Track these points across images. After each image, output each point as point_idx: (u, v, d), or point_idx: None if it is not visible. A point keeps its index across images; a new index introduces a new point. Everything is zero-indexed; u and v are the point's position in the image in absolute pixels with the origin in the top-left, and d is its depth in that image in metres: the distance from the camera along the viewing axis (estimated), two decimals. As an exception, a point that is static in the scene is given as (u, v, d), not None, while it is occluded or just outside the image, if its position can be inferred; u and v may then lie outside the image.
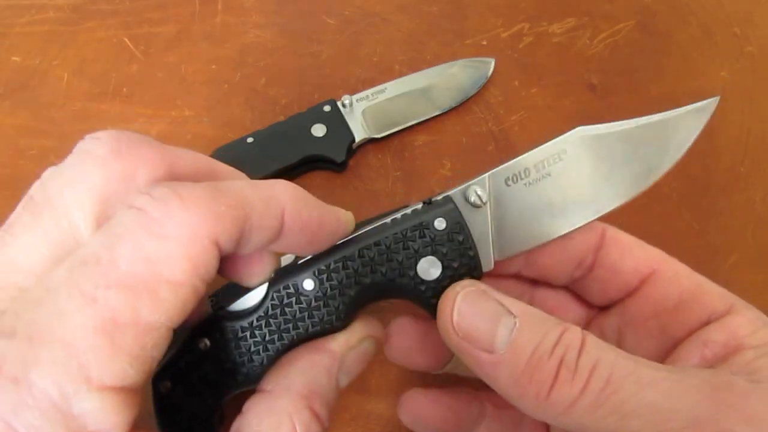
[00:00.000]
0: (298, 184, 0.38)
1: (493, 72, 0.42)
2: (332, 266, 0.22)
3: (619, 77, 0.42)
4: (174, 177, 0.19)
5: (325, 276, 0.22)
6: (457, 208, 0.23)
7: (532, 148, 0.24)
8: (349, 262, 0.22)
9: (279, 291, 0.22)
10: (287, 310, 0.22)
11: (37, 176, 0.20)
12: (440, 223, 0.22)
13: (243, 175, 0.22)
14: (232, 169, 0.22)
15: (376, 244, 0.22)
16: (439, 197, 0.23)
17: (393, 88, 0.40)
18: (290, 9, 0.45)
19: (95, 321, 0.15)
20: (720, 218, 0.37)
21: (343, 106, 0.38)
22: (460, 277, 0.23)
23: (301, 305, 0.22)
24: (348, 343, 0.22)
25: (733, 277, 0.35)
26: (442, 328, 0.21)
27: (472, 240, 0.23)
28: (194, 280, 0.17)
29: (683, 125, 0.25)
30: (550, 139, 0.25)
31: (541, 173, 0.24)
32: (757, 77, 0.43)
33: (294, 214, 0.19)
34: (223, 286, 0.24)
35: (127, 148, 0.18)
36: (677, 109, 0.24)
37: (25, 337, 0.15)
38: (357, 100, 0.39)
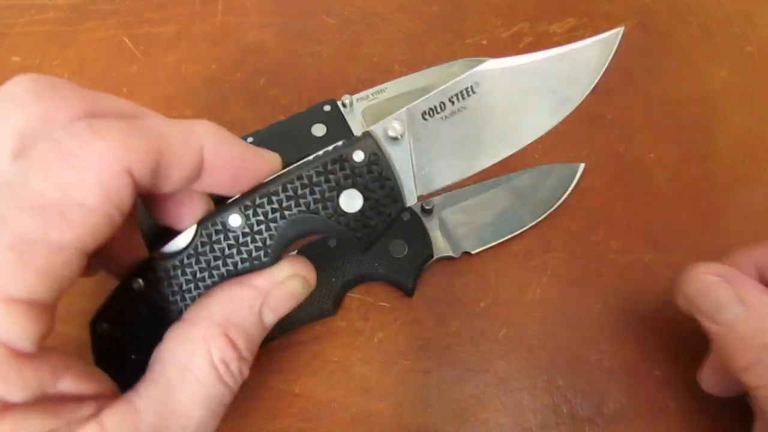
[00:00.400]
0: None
1: (493, 72, 0.42)
2: (257, 201, 0.22)
3: (619, 77, 0.42)
4: (94, 117, 0.19)
5: (251, 212, 0.22)
6: (375, 140, 0.23)
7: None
8: (273, 197, 0.22)
9: (207, 228, 0.22)
10: (216, 246, 0.22)
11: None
12: (358, 155, 0.23)
13: (163, 117, 0.22)
14: (153, 112, 0.22)
15: (299, 177, 0.22)
16: (359, 134, 0.24)
17: (393, 88, 0.40)
18: (290, 9, 0.45)
19: (4, 239, 0.16)
20: (720, 218, 0.37)
21: (344, 106, 0.38)
22: (383, 209, 0.23)
23: (229, 241, 0.22)
24: (273, 279, 0.22)
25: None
26: (681, 294, 0.27)
27: (392, 171, 0.23)
28: (106, 206, 0.17)
29: (591, 56, 0.26)
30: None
31: (457, 107, 0.24)
32: (757, 77, 0.43)
33: (214, 151, 0.20)
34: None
35: (48, 90, 0.19)
36: (584, 41, 0.25)
37: None
38: (357, 100, 0.39)
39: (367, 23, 0.44)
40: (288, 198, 0.22)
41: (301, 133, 0.37)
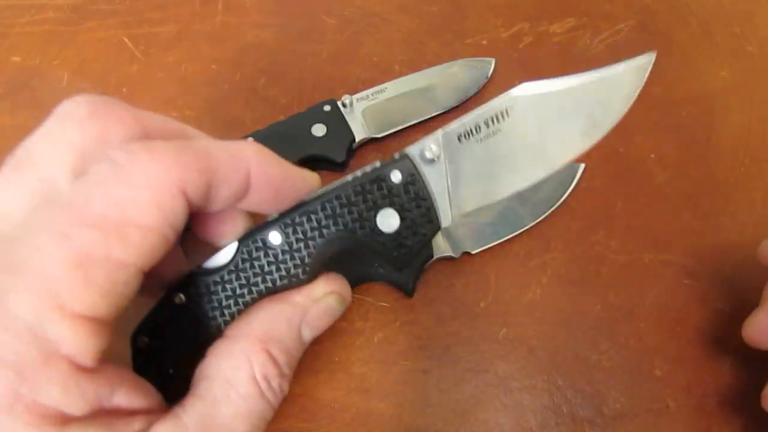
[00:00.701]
0: (298, 184, 0.38)
1: (493, 72, 0.42)
2: (297, 219, 0.23)
3: (619, 77, 0.42)
4: (146, 137, 0.20)
5: (290, 229, 0.23)
6: (411, 161, 0.24)
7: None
8: (312, 215, 0.23)
9: (248, 245, 0.23)
10: (256, 263, 0.23)
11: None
12: (396, 176, 0.24)
13: (211, 138, 0.23)
14: (201, 132, 0.23)
15: (338, 197, 0.23)
16: (397, 155, 0.25)
17: (393, 88, 0.40)
18: (290, 9, 0.45)
19: (69, 255, 0.16)
20: (720, 218, 0.37)
21: (343, 106, 0.38)
22: (419, 229, 0.24)
23: (269, 258, 0.23)
24: (311, 296, 0.23)
25: (733, 277, 0.35)
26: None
27: (428, 191, 0.24)
28: (163, 226, 0.18)
29: (625, 81, 0.26)
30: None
31: (491, 129, 0.25)
32: (757, 77, 0.43)
33: (260, 170, 0.21)
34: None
35: (104, 110, 0.20)
36: (617, 65, 0.26)
37: (3, 269, 0.16)
38: (357, 100, 0.39)
39: (367, 23, 0.44)
40: (327, 217, 0.23)
41: (301, 133, 0.37)
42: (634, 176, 0.38)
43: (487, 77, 0.41)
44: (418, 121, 0.39)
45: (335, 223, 0.23)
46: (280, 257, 0.23)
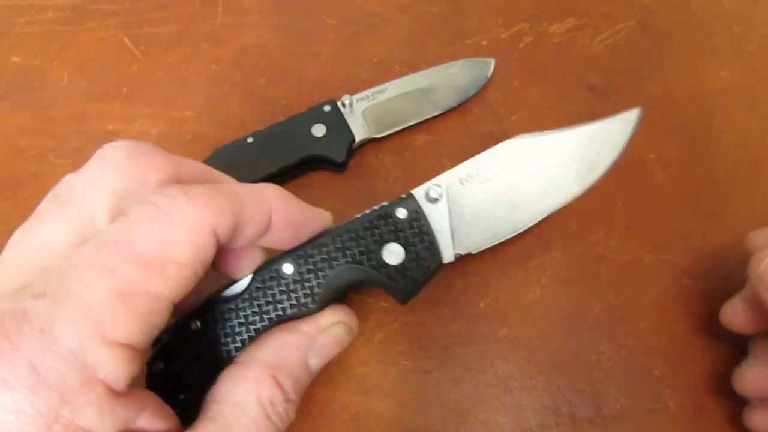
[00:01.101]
0: (298, 184, 0.39)
1: (493, 72, 0.42)
2: (309, 251, 0.25)
3: (619, 77, 0.42)
4: (179, 180, 0.22)
5: (302, 260, 0.25)
6: (416, 200, 0.27)
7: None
8: (323, 248, 0.25)
9: (263, 275, 0.24)
10: (268, 292, 0.24)
11: (37, 176, 0.20)
12: (401, 213, 0.26)
13: (235, 180, 0.25)
14: (226, 175, 0.25)
15: (347, 231, 0.25)
16: (404, 195, 0.27)
17: (393, 88, 0.40)
18: (290, 9, 0.45)
19: (113, 288, 0.18)
20: (720, 218, 0.37)
21: (343, 106, 0.38)
22: (422, 262, 0.26)
23: (281, 287, 0.24)
24: (318, 325, 0.25)
25: (733, 277, 0.35)
26: (752, 273, 0.27)
27: (430, 227, 0.26)
28: (195, 263, 0.20)
29: (613, 131, 0.29)
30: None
31: (492, 172, 0.28)
32: (757, 77, 0.43)
33: (281, 211, 0.23)
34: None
35: (141, 154, 0.21)
36: (607, 119, 0.29)
37: (52, 299, 0.18)
38: (357, 100, 0.39)
39: (367, 23, 0.44)
40: (336, 249, 0.25)
41: (301, 133, 0.37)
42: (634, 176, 0.38)
43: (487, 77, 0.41)
44: (418, 121, 0.39)
45: (344, 255, 0.25)
46: (291, 286, 0.25)
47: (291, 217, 0.23)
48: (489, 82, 0.41)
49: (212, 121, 0.39)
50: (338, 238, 0.25)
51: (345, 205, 0.37)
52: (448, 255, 0.27)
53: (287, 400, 0.22)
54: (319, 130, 0.37)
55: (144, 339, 0.18)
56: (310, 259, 0.25)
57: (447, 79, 0.41)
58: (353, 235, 0.25)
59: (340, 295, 0.26)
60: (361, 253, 0.25)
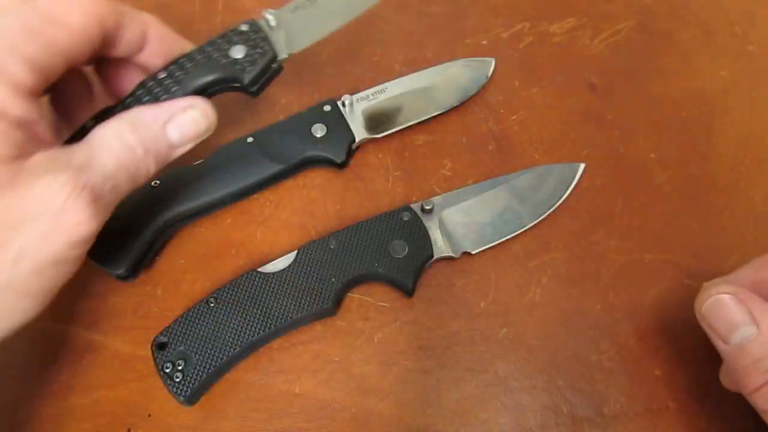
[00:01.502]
0: (297, 184, 0.39)
1: (493, 72, 0.42)
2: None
3: (619, 77, 0.42)
4: None
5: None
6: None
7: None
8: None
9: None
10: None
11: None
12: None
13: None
14: None
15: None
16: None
17: (393, 88, 0.40)
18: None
19: (22, 23, 0.24)
20: (720, 218, 0.37)
21: (343, 106, 0.38)
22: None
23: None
24: (174, 105, 0.29)
25: (733, 277, 0.35)
26: (696, 311, 0.28)
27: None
28: (83, 34, 0.26)
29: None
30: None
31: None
32: (757, 77, 0.43)
33: (155, 28, 0.30)
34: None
35: None
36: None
37: None
38: (357, 100, 0.39)
39: (367, 23, 0.44)
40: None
41: (301, 133, 0.37)
42: (634, 176, 0.38)
43: (487, 77, 0.41)
44: (418, 121, 0.39)
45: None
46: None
47: (163, 35, 0.30)
48: (489, 82, 0.41)
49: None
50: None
51: (345, 205, 0.37)
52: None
53: (144, 147, 0.27)
54: (319, 130, 0.37)
55: (41, 74, 0.24)
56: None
57: (447, 79, 0.41)
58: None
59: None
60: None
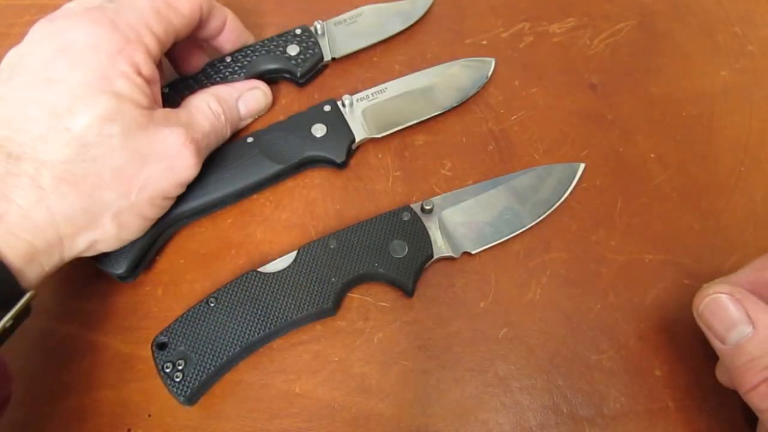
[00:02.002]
0: (297, 184, 0.39)
1: (493, 72, 0.42)
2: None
3: (619, 77, 0.42)
4: None
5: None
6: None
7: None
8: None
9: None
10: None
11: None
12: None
13: None
14: None
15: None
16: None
17: (393, 88, 0.40)
18: (290, 9, 0.45)
19: (151, 5, 0.31)
20: (720, 218, 0.37)
21: (343, 105, 0.38)
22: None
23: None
24: (242, 86, 0.38)
25: (733, 277, 0.35)
26: (694, 311, 0.28)
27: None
28: (192, 16, 0.33)
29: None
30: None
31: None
32: (757, 77, 0.43)
33: (231, 19, 0.38)
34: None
35: None
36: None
37: (118, 4, 0.31)
38: (357, 100, 0.39)
39: (367, 23, 0.44)
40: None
41: (301, 133, 0.37)
42: (634, 176, 0.38)
43: (487, 77, 0.41)
44: (418, 121, 0.39)
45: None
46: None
47: (236, 27, 0.38)
48: (489, 82, 0.41)
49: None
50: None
51: (345, 205, 0.37)
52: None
53: (224, 112, 0.35)
54: (319, 130, 0.37)
55: (161, 46, 0.31)
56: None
57: (447, 79, 0.41)
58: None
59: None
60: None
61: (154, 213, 0.31)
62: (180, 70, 0.39)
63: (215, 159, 0.35)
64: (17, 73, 0.28)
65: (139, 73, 0.29)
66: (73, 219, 0.27)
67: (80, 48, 0.28)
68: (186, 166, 0.31)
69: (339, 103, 0.38)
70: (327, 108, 0.38)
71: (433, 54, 0.43)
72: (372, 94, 0.39)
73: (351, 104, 0.38)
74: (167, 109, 0.32)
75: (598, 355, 0.33)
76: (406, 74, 0.41)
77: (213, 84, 0.38)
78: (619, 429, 0.31)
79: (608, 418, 0.31)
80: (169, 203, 0.32)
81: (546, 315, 0.33)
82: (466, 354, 0.32)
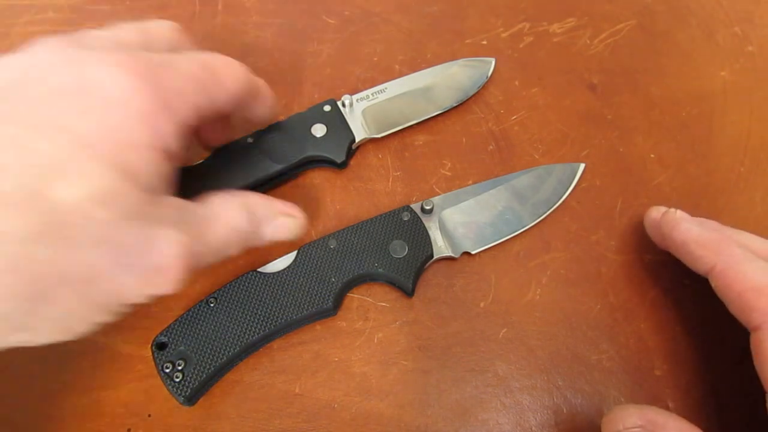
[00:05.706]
0: (298, 183, 0.39)
1: (493, 72, 0.42)
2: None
3: (619, 77, 0.42)
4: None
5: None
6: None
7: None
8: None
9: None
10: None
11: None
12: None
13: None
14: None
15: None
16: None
17: (393, 88, 0.40)
18: (290, 9, 0.45)
19: (194, 73, 0.27)
20: (720, 218, 0.37)
21: (343, 106, 0.38)
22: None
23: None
24: (278, 207, 0.31)
25: (733, 277, 0.35)
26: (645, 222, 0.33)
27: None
28: (235, 96, 0.29)
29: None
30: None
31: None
32: (757, 77, 0.43)
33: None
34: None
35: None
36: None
37: (163, 67, 0.26)
38: (357, 100, 0.39)
39: (367, 23, 0.44)
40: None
41: (301, 133, 0.37)
42: (633, 176, 0.38)
43: (487, 77, 0.41)
44: (418, 121, 0.39)
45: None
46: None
47: (269, 100, 0.33)
48: (489, 81, 0.41)
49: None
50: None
51: (345, 205, 0.37)
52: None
53: (251, 224, 0.28)
54: (319, 130, 0.37)
55: (196, 121, 0.27)
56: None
57: (447, 79, 0.41)
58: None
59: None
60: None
61: (106, 319, 0.23)
62: (201, 141, 0.34)
63: (215, 159, 0.35)
64: (8, 94, 0.21)
65: (162, 149, 0.24)
66: (5, 320, 0.20)
67: (106, 96, 0.22)
68: (167, 283, 0.24)
69: (339, 103, 0.38)
70: (327, 108, 0.38)
71: (433, 54, 0.43)
72: (372, 94, 0.39)
73: (351, 104, 0.38)
74: (182, 201, 0.25)
75: (598, 355, 0.33)
76: (406, 74, 0.41)
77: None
78: (619, 429, 0.31)
79: (608, 418, 0.31)
80: (128, 310, 0.24)
81: (546, 315, 0.33)
82: (466, 354, 0.32)
